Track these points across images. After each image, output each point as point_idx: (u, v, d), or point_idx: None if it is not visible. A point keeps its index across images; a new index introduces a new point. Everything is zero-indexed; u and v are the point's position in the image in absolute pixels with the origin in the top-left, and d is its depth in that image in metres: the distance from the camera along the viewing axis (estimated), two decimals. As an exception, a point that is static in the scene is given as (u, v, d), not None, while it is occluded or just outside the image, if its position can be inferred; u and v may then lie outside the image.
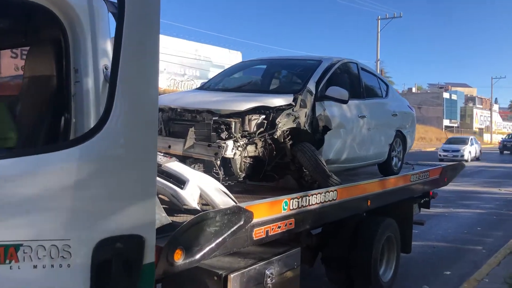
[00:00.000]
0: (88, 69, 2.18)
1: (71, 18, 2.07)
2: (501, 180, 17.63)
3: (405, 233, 5.45)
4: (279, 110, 4.00)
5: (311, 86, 4.37)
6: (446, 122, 62.22)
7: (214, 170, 3.75)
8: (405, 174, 5.35)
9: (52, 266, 1.57)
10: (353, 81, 5.18)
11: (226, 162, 3.82)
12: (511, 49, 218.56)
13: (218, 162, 3.74)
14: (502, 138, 42.13)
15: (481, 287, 5.15)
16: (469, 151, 27.11)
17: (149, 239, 1.81)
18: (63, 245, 1.58)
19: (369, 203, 4.39)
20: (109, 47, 2.31)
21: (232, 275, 2.87)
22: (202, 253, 2.57)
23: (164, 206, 3.21)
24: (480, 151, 29.85)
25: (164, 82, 34.47)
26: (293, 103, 4.10)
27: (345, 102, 4.44)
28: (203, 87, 5.03)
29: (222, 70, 5.77)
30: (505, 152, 36.62)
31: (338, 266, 4.71)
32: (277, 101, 4.01)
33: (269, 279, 3.20)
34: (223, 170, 3.81)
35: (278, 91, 4.32)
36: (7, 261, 1.49)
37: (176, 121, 4.10)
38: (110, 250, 1.67)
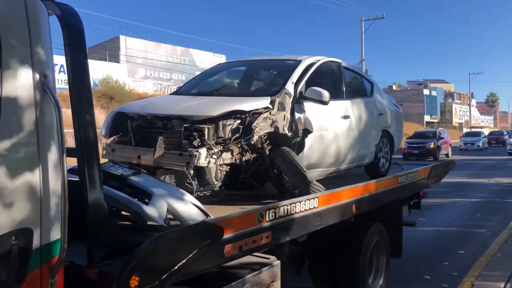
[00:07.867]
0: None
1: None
2: (487, 171, 18.42)
3: (394, 237, 5.24)
4: (255, 114, 3.76)
5: (289, 87, 4.13)
6: (427, 118, 62.81)
7: (187, 181, 3.52)
8: (392, 176, 5.12)
9: None
10: (334, 81, 4.96)
11: (201, 171, 3.57)
12: (487, 45, 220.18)
13: (191, 172, 3.50)
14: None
15: (495, 260, 5.88)
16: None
17: (36, 230, 1.95)
18: None
19: (354, 209, 4.15)
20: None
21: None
22: (162, 278, 2.33)
23: (129, 223, 3.00)
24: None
25: (150, 87, 34.48)
26: (271, 106, 3.88)
27: (325, 103, 4.19)
28: (178, 92, 4.77)
29: (200, 72, 5.50)
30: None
31: (324, 275, 4.49)
32: (252, 104, 3.76)
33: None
34: (197, 180, 3.57)
35: (254, 94, 4.08)
36: None
37: (146, 129, 3.87)
38: (8, 242, 1.84)
